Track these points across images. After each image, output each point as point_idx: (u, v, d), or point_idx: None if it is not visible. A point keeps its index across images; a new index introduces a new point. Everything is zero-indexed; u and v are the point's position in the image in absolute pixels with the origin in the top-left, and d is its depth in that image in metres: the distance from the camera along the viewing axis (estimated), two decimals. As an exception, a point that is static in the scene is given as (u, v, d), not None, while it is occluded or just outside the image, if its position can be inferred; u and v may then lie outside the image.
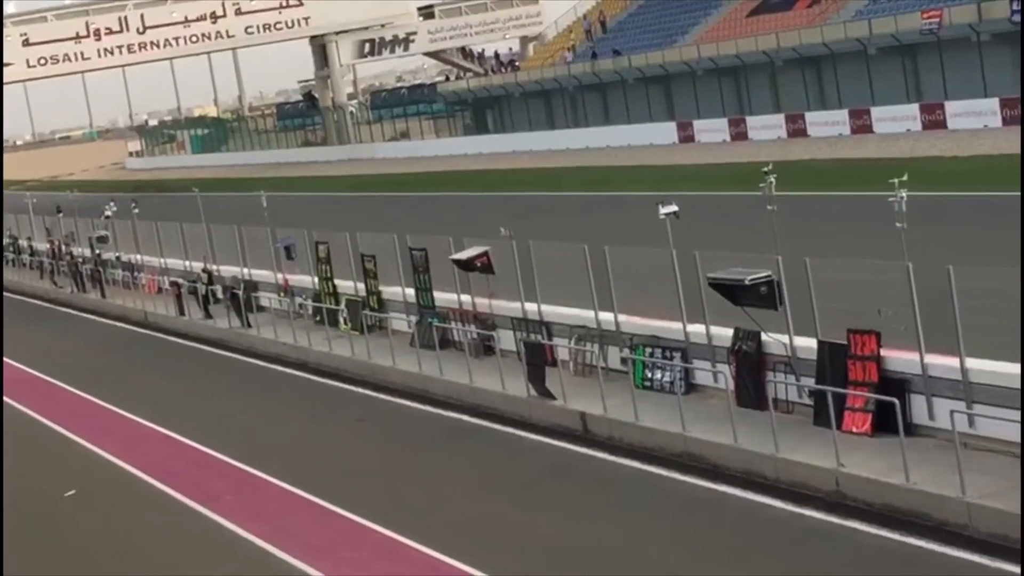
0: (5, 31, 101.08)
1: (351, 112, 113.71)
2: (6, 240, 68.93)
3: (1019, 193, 36.70)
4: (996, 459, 18.34)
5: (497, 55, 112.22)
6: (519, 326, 28.84)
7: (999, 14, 59.21)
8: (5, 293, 58.81)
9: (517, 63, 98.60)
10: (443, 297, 31.65)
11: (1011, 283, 18.82)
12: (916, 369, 20.08)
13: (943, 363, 19.74)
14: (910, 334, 19.96)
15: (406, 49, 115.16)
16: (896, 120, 62.54)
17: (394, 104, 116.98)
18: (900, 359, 20.46)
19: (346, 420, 28.87)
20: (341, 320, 35.54)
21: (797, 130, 68.11)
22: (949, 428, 17.85)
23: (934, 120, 60.66)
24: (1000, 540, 16.63)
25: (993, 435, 18.59)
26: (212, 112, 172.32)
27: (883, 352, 20.64)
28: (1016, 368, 18.47)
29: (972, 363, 19.23)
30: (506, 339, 28.89)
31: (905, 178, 19.95)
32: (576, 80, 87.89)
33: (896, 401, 18.70)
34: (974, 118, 58.38)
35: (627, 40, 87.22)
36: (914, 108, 62.47)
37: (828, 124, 66.39)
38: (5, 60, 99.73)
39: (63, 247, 58.48)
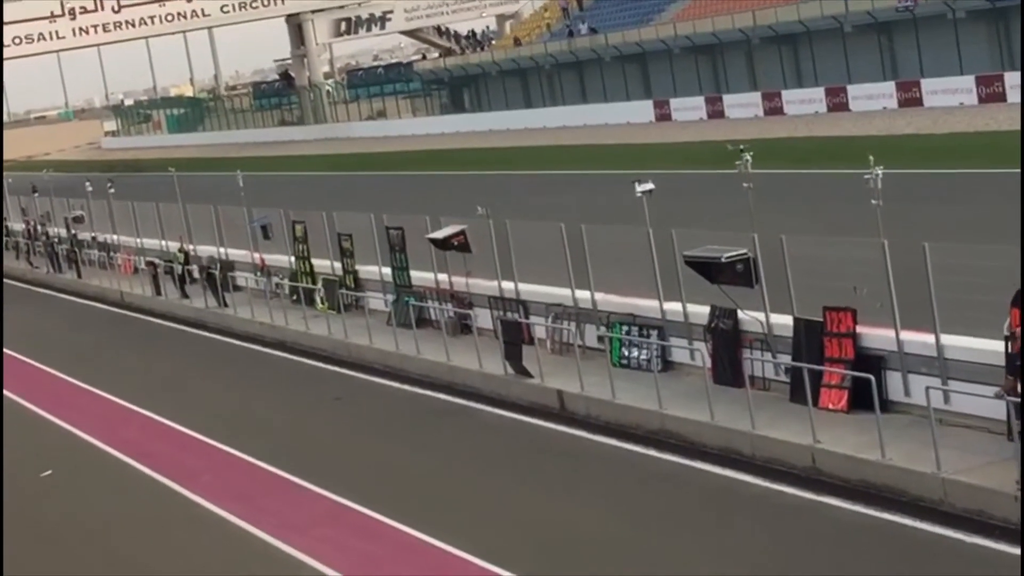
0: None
1: (327, 91, 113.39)
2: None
3: (998, 170, 36.90)
4: (971, 435, 18.43)
5: (474, 33, 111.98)
6: (496, 304, 28.84)
7: (976, -9, 59.33)
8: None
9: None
10: (420, 276, 31.65)
11: (985, 260, 18.91)
12: (892, 346, 20.13)
13: (919, 340, 19.80)
14: (886, 311, 20.02)
15: (383, 28, 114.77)
16: (872, 98, 62.64)
17: (371, 83, 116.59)
18: (876, 336, 20.52)
19: (323, 399, 28.85)
20: (318, 299, 35.51)
21: (773, 108, 68.18)
22: (924, 404, 17.89)
23: (910, 98, 60.75)
24: (975, 515, 16.71)
25: (968, 411, 18.66)
26: (188, 91, 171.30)
27: (859, 329, 20.69)
28: (990, 344, 18.53)
29: (947, 340, 19.29)
30: (483, 318, 28.90)
31: (873, 158, 19.97)
32: (553, 58, 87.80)
33: (872, 378, 18.75)
34: (950, 96, 58.50)
35: (604, 18, 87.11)
36: (890, 86, 62.57)
37: (804, 102, 66.45)
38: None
39: (39, 227, 58.26)
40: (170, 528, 21.65)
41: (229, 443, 25.60)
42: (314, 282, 36.10)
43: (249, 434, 26.12)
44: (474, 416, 25.60)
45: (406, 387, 28.45)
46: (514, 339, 26.26)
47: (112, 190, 48.92)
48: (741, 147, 23.09)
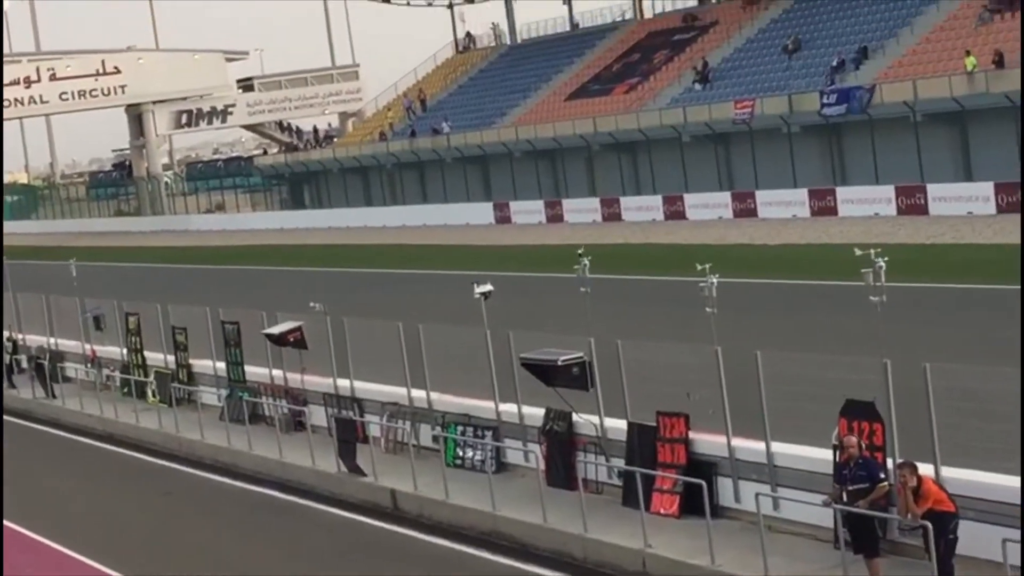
0: None
1: (166, 183, 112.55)
2: None
3: (830, 282, 37.62)
4: (799, 542, 18.64)
5: (316, 130, 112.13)
6: (331, 402, 28.68)
7: (809, 107, 60.80)
8: None
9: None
10: (255, 371, 31.39)
11: (816, 369, 19.21)
12: (723, 452, 20.33)
13: (750, 447, 20.03)
14: (718, 417, 20.23)
15: (224, 121, 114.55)
16: (709, 207, 63.72)
17: (210, 176, 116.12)
18: (708, 442, 20.72)
19: (152, 494, 28.35)
20: (150, 392, 35.03)
21: (612, 214, 69.00)
22: (754, 511, 18.08)
23: (745, 208, 61.90)
24: (802, 622, 16.87)
25: (796, 518, 18.88)
26: (22, 179, 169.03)
27: (691, 435, 20.89)
28: (819, 452, 18.81)
29: (777, 447, 19.53)
30: (318, 414, 28.68)
31: (709, 266, 20.26)
32: (394, 157, 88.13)
33: (703, 483, 18.90)
34: (783, 207, 59.72)
35: (442, 120, 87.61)
36: (726, 196, 63.75)
37: (642, 209, 67.38)
38: None
39: None
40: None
41: (53, 538, 24.99)
42: (146, 375, 35.61)
43: (75, 529, 25.54)
44: (305, 514, 25.32)
45: (238, 483, 28.08)
46: (348, 437, 26.10)
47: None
48: (579, 251, 23.28)
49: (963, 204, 52.35)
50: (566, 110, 78.86)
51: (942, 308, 34.11)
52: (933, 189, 54.07)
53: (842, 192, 58.11)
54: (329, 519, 24.77)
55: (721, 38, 75.23)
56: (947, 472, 17.10)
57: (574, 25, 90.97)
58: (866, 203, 56.27)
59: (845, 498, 16.97)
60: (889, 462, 17.42)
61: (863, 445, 17.39)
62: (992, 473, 17.09)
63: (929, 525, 15.83)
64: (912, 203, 54.43)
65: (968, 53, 55.69)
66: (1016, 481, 16.65)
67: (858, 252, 18.39)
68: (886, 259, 17.98)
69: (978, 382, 17.70)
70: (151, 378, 35.29)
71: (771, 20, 73.65)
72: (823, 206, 58.15)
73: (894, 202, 55.23)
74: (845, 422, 18.02)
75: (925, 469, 16.72)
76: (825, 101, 59.75)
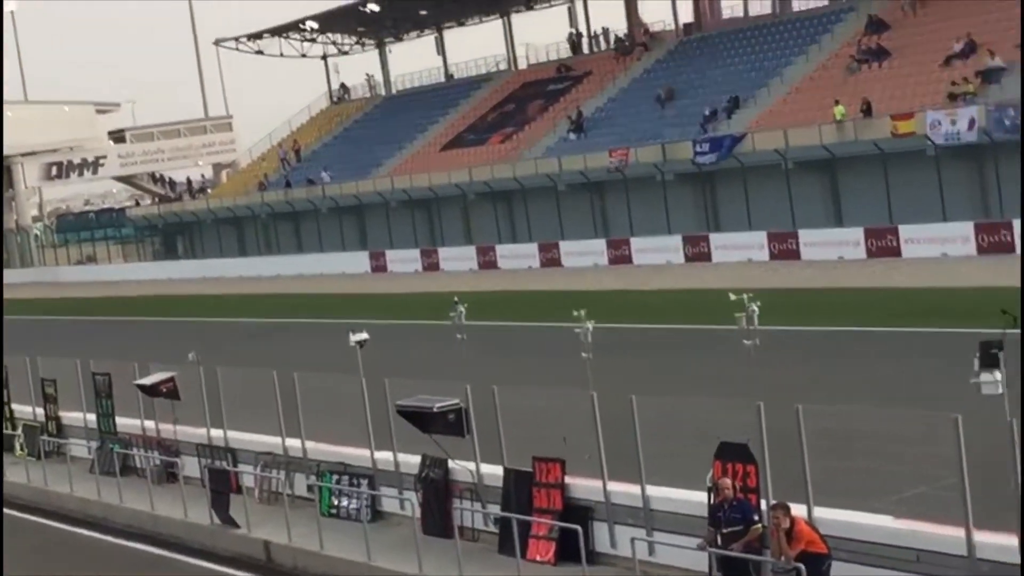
0: None
1: (36, 235, 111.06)
2: None
3: (705, 327, 37.95)
4: (676, 586, 18.65)
5: (189, 181, 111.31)
6: (204, 452, 28.31)
7: (682, 155, 61.42)
8: None
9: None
10: (127, 423, 30.92)
11: (691, 411, 19.30)
12: (599, 496, 20.29)
13: (625, 490, 20.00)
14: (594, 462, 20.21)
15: (95, 173, 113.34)
16: (584, 254, 64.08)
17: (81, 228, 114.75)
18: (584, 486, 20.67)
19: (22, 550, 27.73)
20: (17, 446, 34.36)
21: (488, 262, 69.14)
22: (630, 555, 18.04)
23: (620, 255, 62.32)
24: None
25: (672, 562, 18.86)
26: None
27: (567, 479, 20.83)
28: (694, 495, 18.83)
29: (653, 491, 19.52)
30: (191, 465, 28.30)
31: (584, 312, 20.31)
32: (269, 207, 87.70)
33: (579, 529, 18.85)
34: (658, 254, 60.23)
35: (322, 170, 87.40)
36: (601, 243, 64.16)
37: (518, 257, 67.61)
38: None
39: None
40: None
41: (-84, 596, 24.38)
42: (14, 428, 34.96)
43: (-62, 586, 24.92)
44: (177, 569, 24.90)
45: (108, 538, 27.55)
46: (221, 487, 25.75)
47: None
48: (455, 299, 23.27)
49: (834, 249, 53.21)
50: (442, 160, 79.04)
51: (814, 350, 34.47)
52: (805, 235, 54.85)
53: (715, 238, 58.74)
54: (200, 573, 24.38)
55: (595, 88, 75.91)
56: (819, 512, 17.19)
57: (449, 76, 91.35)
58: (739, 249, 56.92)
59: (720, 541, 17.00)
60: (763, 503, 17.48)
61: (737, 487, 17.45)
62: (863, 513, 17.24)
63: (802, 567, 15.86)
64: (784, 248, 55.16)
65: (837, 102, 56.60)
66: (887, 520, 16.82)
67: (732, 297, 18.55)
68: (759, 303, 18.14)
69: (849, 423, 17.87)
70: (19, 431, 34.65)
71: (644, 70, 74.47)
72: (697, 252, 58.73)
73: (767, 247, 55.95)
74: (720, 464, 18.06)
75: (798, 510, 16.81)
76: (698, 150, 60.41)
